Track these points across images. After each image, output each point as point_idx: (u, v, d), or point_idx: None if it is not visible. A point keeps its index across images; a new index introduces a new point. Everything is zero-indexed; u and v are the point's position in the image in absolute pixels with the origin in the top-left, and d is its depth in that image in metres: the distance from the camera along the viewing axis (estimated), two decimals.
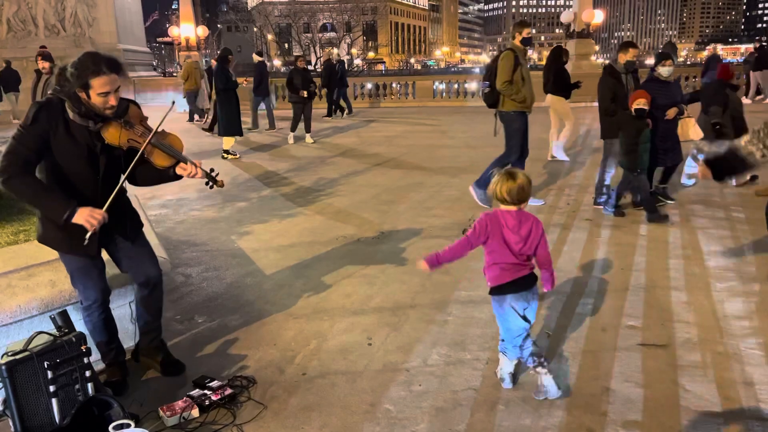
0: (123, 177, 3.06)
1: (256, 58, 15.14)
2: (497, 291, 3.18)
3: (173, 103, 3.71)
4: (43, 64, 8.45)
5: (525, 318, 3.16)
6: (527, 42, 6.84)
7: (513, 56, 6.59)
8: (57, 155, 2.90)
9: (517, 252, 3.12)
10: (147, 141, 2.99)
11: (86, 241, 2.91)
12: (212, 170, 3.29)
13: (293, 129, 12.76)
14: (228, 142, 11.02)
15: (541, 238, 3.16)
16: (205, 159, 10.87)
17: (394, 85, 23.21)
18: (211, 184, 3.28)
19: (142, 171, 3.14)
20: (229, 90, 10.81)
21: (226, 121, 10.85)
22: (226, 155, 10.97)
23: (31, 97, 8.24)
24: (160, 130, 3.08)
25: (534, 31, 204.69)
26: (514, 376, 3.31)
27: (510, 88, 6.63)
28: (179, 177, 3.18)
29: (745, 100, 17.97)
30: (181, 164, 3.13)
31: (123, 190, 3.21)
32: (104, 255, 3.26)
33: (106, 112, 2.91)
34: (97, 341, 3.31)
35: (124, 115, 3.02)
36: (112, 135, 2.96)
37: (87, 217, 2.85)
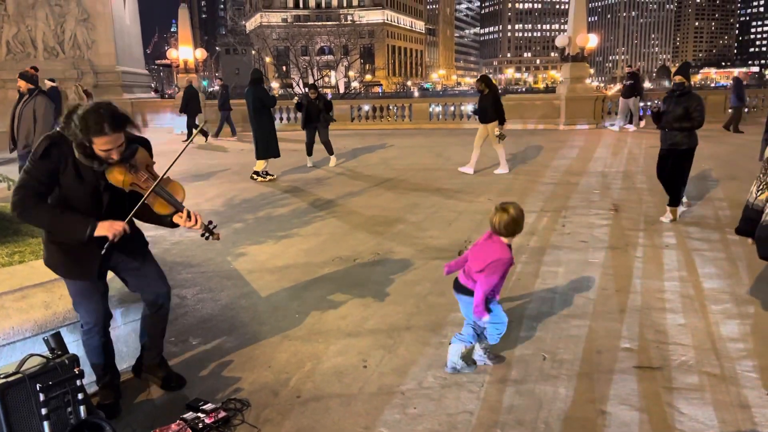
0: (126, 220, 3.05)
1: (219, 81, 18.34)
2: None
3: (200, 129, 3.77)
4: (20, 84, 8.42)
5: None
6: None
7: None
8: (64, 189, 2.97)
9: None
10: (150, 189, 3.00)
11: (104, 249, 2.97)
12: (210, 222, 3.31)
13: (308, 154, 12.75)
14: (260, 163, 10.92)
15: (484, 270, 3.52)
16: (200, 181, 10.90)
17: (390, 107, 23.37)
18: (207, 235, 3.29)
19: (142, 212, 3.16)
20: (264, 111, 10.78)
21: (264, 143, 10.77)
22: (256, 176, 10.87)
23: (9, 119, 8.18)
24: (165, 177, 3.09)
25: (529, 54, 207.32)
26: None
27: None
28: (176, 225, 3.20)
29: (631, 128, 18.12)
30: (179, 213, 3.15)
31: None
32: (110, 275, 3.28)
33: (109, 161, 2.95)
34: (94, 364, 3.30)
35: (131, 158, 3.03)
36: (116, 178, 2.99)
37: (108, 227, 2.94)
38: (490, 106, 10.70)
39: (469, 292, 3.60)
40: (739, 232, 4.64)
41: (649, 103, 19.97)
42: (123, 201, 3.11)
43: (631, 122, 18.44)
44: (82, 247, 2.99)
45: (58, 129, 2.95)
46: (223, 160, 13.73)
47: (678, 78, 7.01)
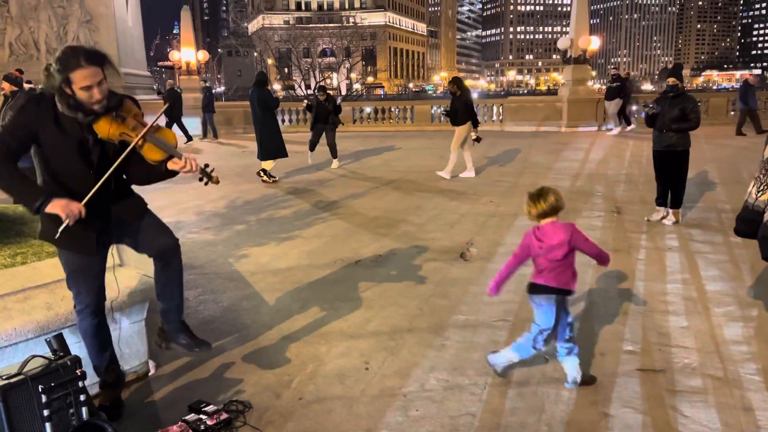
0: (111, 168, 2.93)
1: (202, 84, 19.75)
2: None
3: (168, 104, 3.76)
4: (4, 86, 8.47)
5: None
6: None
7: None
8: (47, 149, 2.87)
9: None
10: (140, 135, 2.90)
11: (57, 234, 2.83)
12: (207, 166, 3.21)
13: (311, 149, 12.96)
14: (268, 163, 10.96)
15: None
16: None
17: (392, 109, 23.39)
18: (205, 180, 3.19)
19: (135, 168, 3.08)
20: (269, 112, 10.78)
21: (272, 144, 10.77)
22: (263, 174, 10.91)
23: None
24: (154, 125, 2.99)
25: (531, 56, 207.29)
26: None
27: None
28: (172, 173, 3.09)
29: (613, 132, 18.06)
30: (174, 159, 3.03)
31: (125, 184, 3.17)
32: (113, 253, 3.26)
33: (93, 107, 2.86)
34: (88, 349, 3.22)
35: (117, 109, 2.95)
36: (103, 128, 2.89)
37: (63, 206, 2.79)
38: (461, 108, 10.62)
39: (549, 290, 3.44)
40: (739, 233, 4.63)
41: (635, 107, 19.97)
42: (113, 163, 2.96)
43: (617, 124, 18.43)
44: (79, 220, 2.85)
45: (39, 88, 2.89)
46: (225, 162, 13.73)
47: (671, 80, 7.02)
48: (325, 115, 12.68)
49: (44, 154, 2.90)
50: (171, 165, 3.04)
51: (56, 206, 2.79)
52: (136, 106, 3.08)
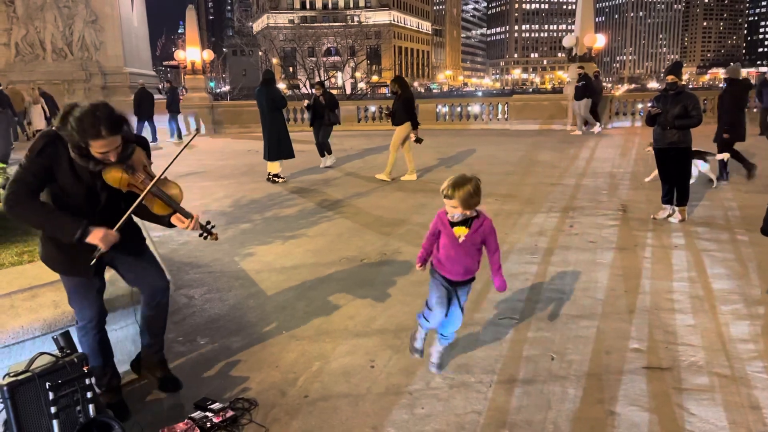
0: (121, 220, 3.00)
1: (167, 85, 20.09)
2: None
3: (196, 131, 3.81)
4: None
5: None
6: None
7: None
8: (60, 186, 2.94)
9: None
10: (147, 190, 2.97)
11: (93, 260, 2.93)
12: (209, 223, 3.29)
13: (321, 155, 12.69)
14: (275, 165, 10.82)
15: None
16: (208, 181, 10.91)
17: None
18: (205, 235, 3.28)
19: (140, 211, 3.14)
20: (277, 111, 10.63)
21: (277, 143, 10.61)
22: (276, 179, 10.79)
23: None
24: (162, 177, 3.06)
25: (536, 55, 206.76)
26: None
27: None
28: (174, 226, 3.17)
29: (576, 132, 17.97)
30: (179, 216, 3.13)
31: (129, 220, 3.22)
32: (108, 273, 3.27)
33: (106, 162, 2.92)
34: (91, 364, 3.24)
35: (128, 159, 2.99)
36: (113, 178, 2.96)
37: (102, 237, 2.89)
38: (400, 108, 10.45)
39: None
40: (766, 233, 4.66)
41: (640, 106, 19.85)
42: (120, 200, 3.09)
43: (586, 124, 18.35)
44: (77, 246, 2.92)
45: (53, 128, 2.92)
46: (230, 160, 13.75)
47: (670, 77, 6.99)
48: (321, 111, 12.48)
49: (56, 191, 2.96)
50: (174, 220, 3.14)
51: (96, 237, 2.89)
52: (146, 153, 3.14)
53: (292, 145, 10.92)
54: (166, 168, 3.04)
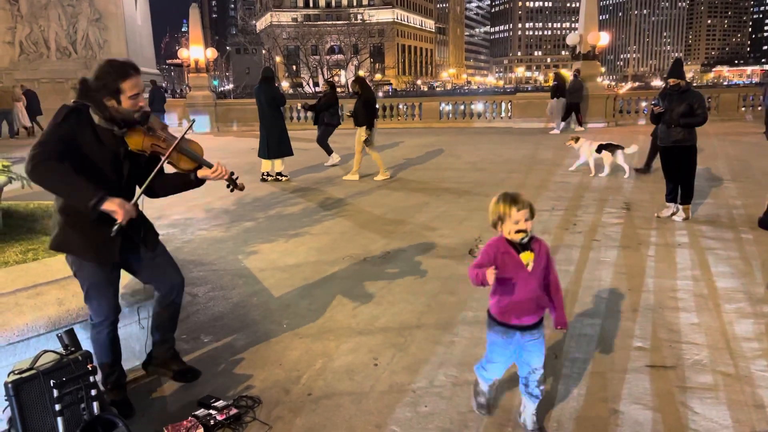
0: (147, 179, 3.04)
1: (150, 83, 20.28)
2: None
3: (193, 121, 4.04)
4: None
5: None
6: None
7: None
8: (82, 159, 2.93)
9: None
10: (173, 147, 3.06)
11: (113, 232, 2.88)
12: (233, 173, 3.37)
13: (327, 153, 12.78)
14: (277, 163, 10.84)
15: None
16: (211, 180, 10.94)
17: (400, 106, 23.36)
18: (232, 187, 3.38)
19: (161, 180, 3.21)
20: (276, 109, 10.64)
21: (276, 142, 10.62)
22: (281, 178, 10.81)
23: None
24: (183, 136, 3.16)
25: (540, 52, 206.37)
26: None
27: None
28: (201, 182, 3.26)
29: (555, 132, 17.90)
30: (205, 167, 3.22)
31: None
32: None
33: (135, 116, 2.98)
34: (101, 362, 3.27)
35: (146, 122, 3.08)
36: (136, 141, 3.02)
37: (119, 204, 2.84)
38: (361, 109, 10.46)
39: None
40: (763, 225, 4.62)
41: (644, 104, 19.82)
42: (143, 172, 3.10)
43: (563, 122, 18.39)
44: (102, 230, 2.91)
45: (73, 102, 2.96)
46: (234, 159, 13.76)
47: (672, 81, 6.95)
48: (321, 110, 12.50)
49: (77, 162, 2.93)
50: (201, 173, 3.23)
51: (113, 204, 2.84)
52: (158, 119, 3.23)
53: (291, 143, 10.94)
54: (187, 129, 3.21)
